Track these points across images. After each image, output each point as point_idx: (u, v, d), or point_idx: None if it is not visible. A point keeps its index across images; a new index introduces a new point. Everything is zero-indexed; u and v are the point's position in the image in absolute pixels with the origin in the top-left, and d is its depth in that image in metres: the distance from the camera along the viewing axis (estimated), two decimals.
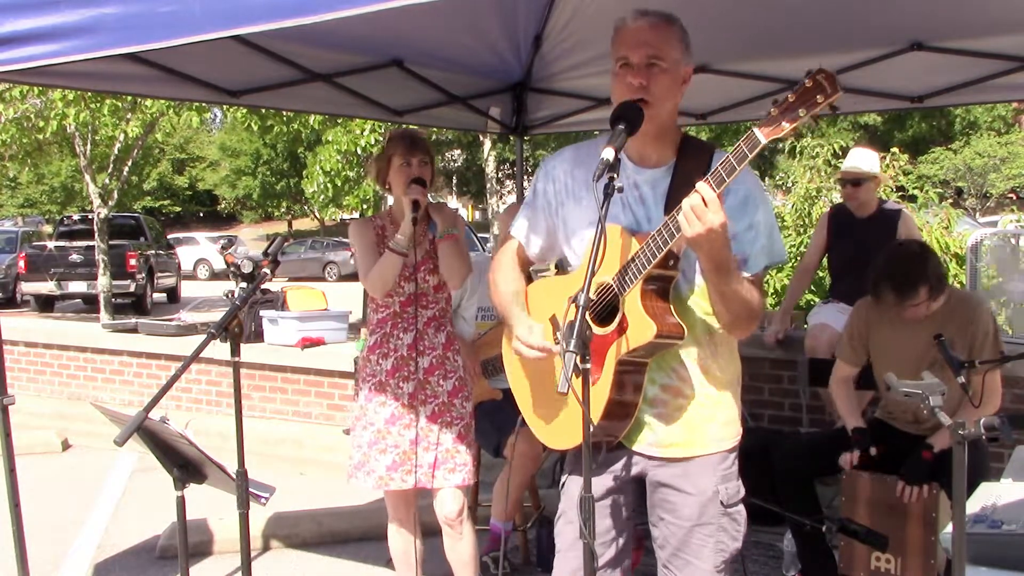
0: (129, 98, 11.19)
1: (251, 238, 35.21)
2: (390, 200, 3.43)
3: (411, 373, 3.18)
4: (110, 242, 14.13)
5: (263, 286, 3.26)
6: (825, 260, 5.03)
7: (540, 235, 2.27)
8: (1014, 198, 25.78)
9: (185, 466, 2.67)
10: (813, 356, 4.56)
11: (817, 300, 5.85)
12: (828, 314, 4.67)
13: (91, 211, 14.42)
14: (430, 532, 3.50)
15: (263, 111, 10.45)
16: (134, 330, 7.47)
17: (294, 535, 4.59)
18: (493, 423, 3.82)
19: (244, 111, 10.53)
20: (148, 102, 11.60)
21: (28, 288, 16.73)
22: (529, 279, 2.32)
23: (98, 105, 11.26)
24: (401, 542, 3.34)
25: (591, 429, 1.82)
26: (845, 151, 6.38)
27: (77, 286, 16.16)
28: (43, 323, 10.35)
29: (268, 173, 37.93)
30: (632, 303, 1.97)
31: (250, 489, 2.65)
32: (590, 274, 1.77)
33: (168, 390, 2.44)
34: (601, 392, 2.00)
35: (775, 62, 4.16)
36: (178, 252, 22.10)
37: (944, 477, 3.02)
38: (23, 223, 30.23)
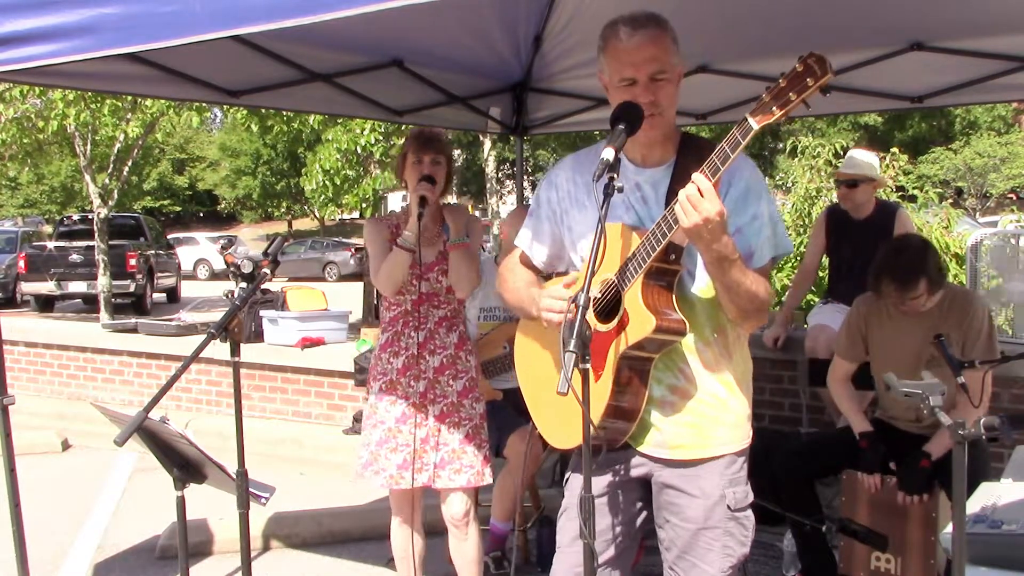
0: (129, 98, 11.20)
1: (251, 238, 35.20)
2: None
3: (421, 372, 3.19)
4: (110, 242, 14.14)
5: (263, 286, 3.26)
6: (825, 260, 5.03)
7: (545, 243, 2.26)
8: (1014, 198, 25.82)
9: (185, 466, 2.67)
10: (813, 356, 4.56)
11: (817, 300, 5.84)
12: (827, 315, 4.66)
13: (91, 211, 14.43)
14: (433, 531, 3.50)
15: (263, 111, 10.44)
16: (134, 330, 7.48)
17: (294, 535, 4.59)
18: (493, 423, 3.81)
19: (244, 111, 10.52)
20: (148, 102, 11.61)
21: (28, 288, 16.71)
22: (548, 279, 2.31)
23: (98, 105, 11.27)
24: (403, 540, 3.34)
25: (591, 430, 1.81)
26: (846, 151, 6.38)
27: (77, 286, 16.14)
28: (43, 323, 10.33)
29: (268, 173, 37.93)
30: (633, 298, 1.96)
31: (250, 489, 2.65)
32: (590, 273, 1.76)
33: (168, 390, 2.44)
34: (602, 390, 2.00)
35: (775, 62, 4.09)
36: (178, 252, 22.10)
37: (944, 477, 3.02)
38: (23, 223, 30.18)
